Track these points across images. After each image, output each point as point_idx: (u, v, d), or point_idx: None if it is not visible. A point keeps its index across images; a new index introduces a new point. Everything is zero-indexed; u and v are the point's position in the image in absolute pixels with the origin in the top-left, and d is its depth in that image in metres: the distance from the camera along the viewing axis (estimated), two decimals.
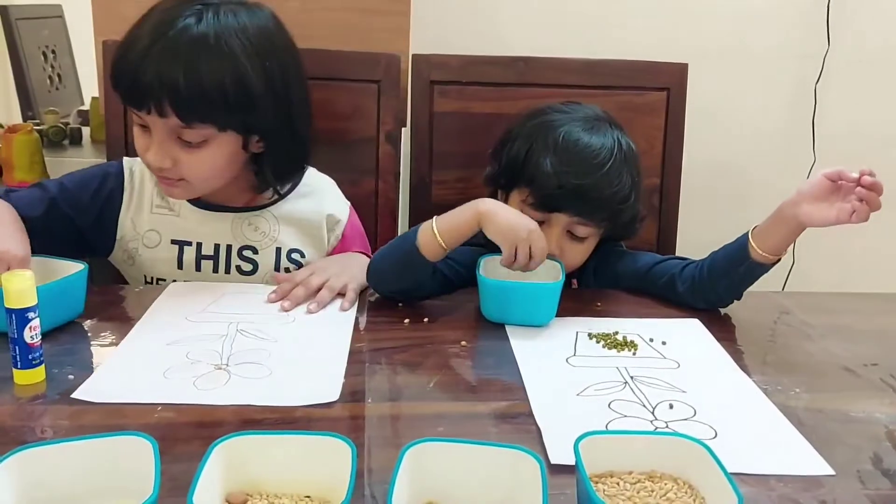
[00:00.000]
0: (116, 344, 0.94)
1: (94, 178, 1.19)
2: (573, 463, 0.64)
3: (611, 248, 1.24)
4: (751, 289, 1.12)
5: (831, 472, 0.73)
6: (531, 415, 0.82)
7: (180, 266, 1.18)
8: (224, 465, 0.62)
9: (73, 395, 0.81)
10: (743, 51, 1.88)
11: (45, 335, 0.94)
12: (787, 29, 1.88)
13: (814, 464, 0.75)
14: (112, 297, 1.10)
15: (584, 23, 1.82)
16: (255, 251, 1.20)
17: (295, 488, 0.64)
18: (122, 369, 0.88)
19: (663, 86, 1.50)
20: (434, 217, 1.06)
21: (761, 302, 1.17)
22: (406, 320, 1.05)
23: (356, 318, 1.04)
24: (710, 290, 1.10)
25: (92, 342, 0.96)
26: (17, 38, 2.59)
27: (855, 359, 0.99)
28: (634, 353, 0.97)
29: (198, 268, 1.19)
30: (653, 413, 0.83)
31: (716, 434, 0.79)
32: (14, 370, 0.84)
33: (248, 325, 0.99)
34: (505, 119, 1.35)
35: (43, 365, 0.85)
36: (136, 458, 0.62)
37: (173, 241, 1.18)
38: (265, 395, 0.83)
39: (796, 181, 1.92)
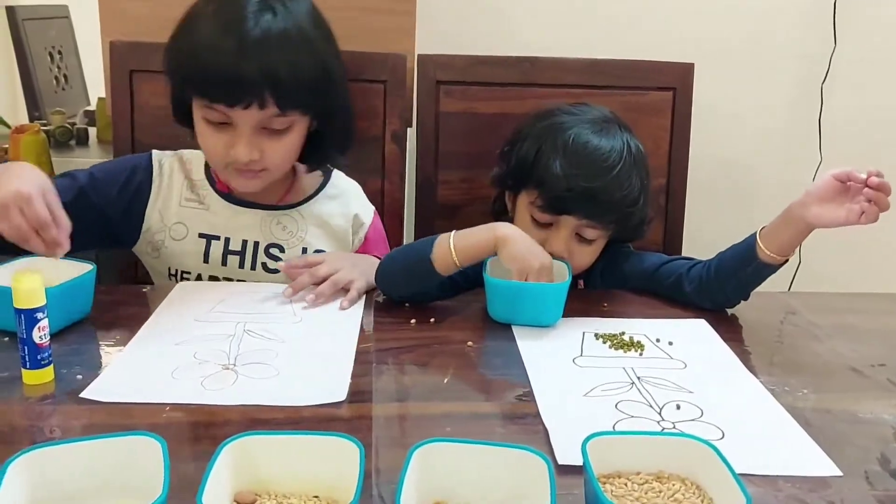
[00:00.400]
0: (124, 344, 0.94)
1: (124, 170, 1.20)
2: (580, 463, 0.64)
3: (618, 249, 1.24)
4: (758, 289, 1.11)
5: (839, 472, 0.73)
6: (538, 415, 0.82)
7: (206, 260, 1.19)
8: (233, 465, 0.63)
9: (82, 395, 0.82)
10: (748, 50, 1.88)
11: (54, 336, 0.94)
12: (793, 28, 1.88)
13: (821, 465, 0.75)
14: (119, 298, 1.10)
15: (589, 23, 1.82)
16: (282, 249, 1.21)
17: (303, 488, 0.64)
18: (130, 369, 0.88)
19: (669, 86, 1.50)
20: (452, 232, 1.06)
21: (768, 302, 1.17)
22: (413, 320, 1.05)
23: (362, 319, 1.05)
24: (718, 291, 1.10)
25: (100, 342, 0.97)
26: (24, 39, 2.60)
27: (862, 359, 0.99)
28: (641, 354, 0.97)
29: (224, 262, 1.19)
30: (660, 414, 0.83)
31: (723, 435, 0.79)
32: (23, 370, 0.84)
33: (255, 326, 1.00)
34: (511, 119, 1.35)
35: (52, 365, 0.86)
36: (145, 458, 0.62)
37: (201, 235, 1.19)
38: (273, 396, 0.83)
39: (802, 181, 1.93)
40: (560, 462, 0.72)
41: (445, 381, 0.89)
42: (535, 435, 0.78)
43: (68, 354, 0.91)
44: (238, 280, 1.19)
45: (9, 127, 1.95)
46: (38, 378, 0.85)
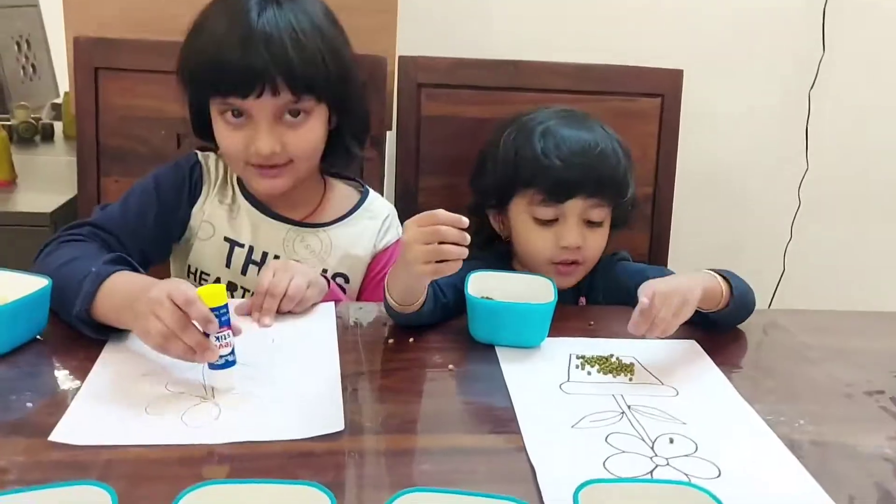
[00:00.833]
0: (81, 367, 0.87)
1: (184, 177, 1.17)
2: None
3: (616, 263, 1.21)
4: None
5: None
6: (524, 449, 0.77)
7: (228, 265, 1.17)
8: None
9: (50, 438, 0.73)
10: (736, 56, 1.85)
11: (4, 357, 0.88)
12: (781, 34, 1.84)
13: None
14: None
15: (576, 26, 1.77)
16: None
17: None
18: (99, 405, 0.80)
19: (657, 92, 1.46)
20: (386, 278, 0.99)
21: (759, 320, 1.13)
22: (391, 340, 0.99)
23: (339, 336, 0.99)
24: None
25: (55, 364, 0.90)
26: None
27: (858, 385, 0.95)
28: (631, 379, 0.93)
29: (244, 272, 1.17)
30: (652, 448, 0.78)
31: (719, 473, 0.75)
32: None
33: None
34: (494, 124, 1.30)
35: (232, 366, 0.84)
36: None
37: (226, 239, 1.17)
38: (264, 430, 0.77)
39: (788, 190, 1.92)
40: None
41: (424, 409, 0.84)
42: (520, 473, 0.73)
43: (19, 378, 0.85)
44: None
45: None
46: None
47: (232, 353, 0.84)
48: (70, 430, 0.75)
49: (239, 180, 1.19)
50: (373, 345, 0.99)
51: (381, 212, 1.25)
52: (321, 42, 1.08)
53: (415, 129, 1.41)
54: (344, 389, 0.86)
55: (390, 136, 1.44)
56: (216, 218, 1.17)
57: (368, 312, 1.08)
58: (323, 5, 1.14)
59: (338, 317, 1.05)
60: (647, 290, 0.92)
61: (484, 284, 1.03)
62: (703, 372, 0.96)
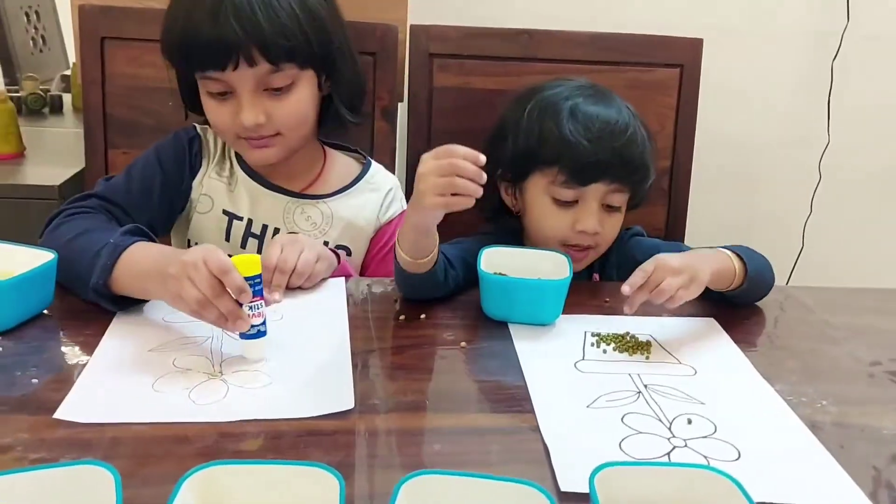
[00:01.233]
0: (87, 342, 0.86)
1: (183, 149, 1.17)
2: (585, 491, 0.58)
3: (630, 239, 1.18)
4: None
5: (867, 501, 0.67)
6: (537, 429, 0.75)
7: (227, 238, 1.16)
8: (197, 498, 0.55)
9: (56, 416, 0.72)
10: (757, 26, 1.79)
11: (10, 332, 0.87)
12: (804, 3, 1.79)
13: (847, 492, 0.68)
14: None
15: None
16: None
17: None
18: (105, 382, 0.79)
19: (676, 62, 1.42)
20: (397, 235, 0.98)
21: (780, 299, 1.10)
22: (402, 316, 0.97)
23: (350, 313, 0.97)
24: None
25: (62, 339, 0.89)
26: None
27: (881, 364, 0.93)
28: (647, 358, 0.90)
29: (243, 244, 1.16)
30: (670, 429, 0.76)
31: (739, 455, 0.72)
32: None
33: None
34: (508, 95, 1.27)
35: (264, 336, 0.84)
36: (95, 490, 0.54)
37: (225, 212, 1.16)
38: (273, 408, 0.75)
39: (809, 163, 1.87)
40: (563, 489, 0.66)
41: (436, 387, 0.82)
42: (534, 453, 0.71)
43: (25, 354, 0.83)
44: None
45: None
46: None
47: (263, 323, 0.84)
48: (76, 407, 0.74)
49: (237, 153, 1.18)
50: (383, 321, 0.97)
51: (383, 184, 1.23)
52: (297, 7, 1.05)
53: (426, 101, 1.38)
54: (354, 367, 0.84)
55: (402, 108, 1.41)
56: (214, 191, 1.16)
57: (379, 288, 1.06)
58: None
59: (348, 293, 1.03)
60: (654, 260, 0.92)
61: (497, 260, 1.01)
62: (721, 351, 0.94)
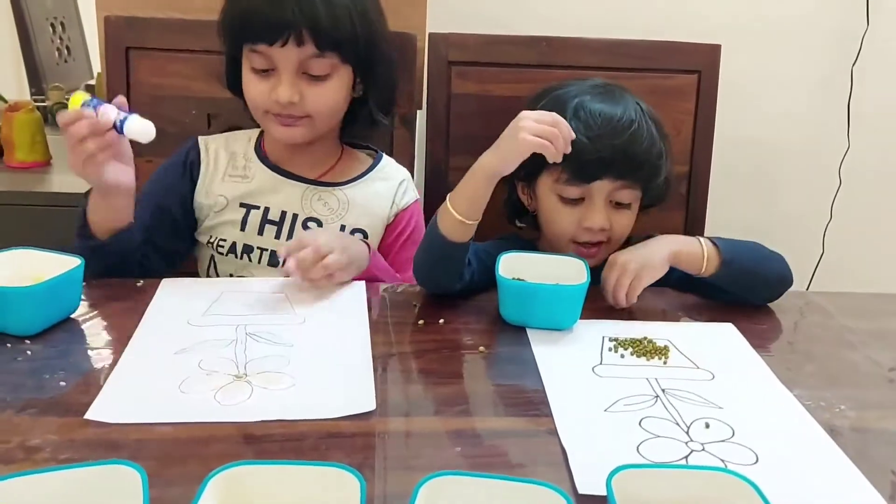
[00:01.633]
0: (114, 346, 0.88)
1: (179, 163, 1.22)
2: (603, 493, 0.59)
3: None
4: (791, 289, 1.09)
5: None
6: (555, 432, 0.76)
7: (243, 227, 1.19)
8: (221, 497, 0.57)
9: (87, 416, 0.74)
10: (776, 29, 1.79)
11: (38, 336, 0.89)
12: (823, 5, 1.78)
13: (865, 497, 0.68)
14: (110, 292, 1.03)
15: (610, 1, 1.73)
16: (320, 224, 1.20)
17: None
18: (132, 384, 0.81)
19: (694, 68, 1.42)
20: (447, 196, 1.02)
21: (799, 304, 1.10)
22: (420, 321, 0.98)
23: (370, 317, 0.98)
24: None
25: (88, 344, 0.90)
26: (25, 9, 2.52)
27: None
28: (665, 363, 0.91)
29: (260, 231, 1.19)
30: (687, 433, 0.76)
31: (757, 459, 0.73)
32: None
33: (257, 328, 0.93)
34: (528, 97, 1.28)
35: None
36: (122, 489, 0.56)
37: (241, 205, 1.20)
38: (296, 409, 0.76)
39: (829, 169, 1.86)
40: (580, 491, 0.66)
41: (455, 391, 0.83)
42: (552, 456, 0.72)
43: (53, 357, 0.85)
44: (271, 251, 1.18)
45: (6, 102, 1.88)
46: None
47: (119, 112, 0.97)
48: (105, 408, 0.76)
49: (256, 148, 1.23)
50: (403, 325, 0.98)
51: (394, 175, 1.27)
52: (352, 5, 1.11)
53: (445, 108, 1.39)
54: (374, 370, 0.85)
55: (420, 115, 1.42)
56: (230, 190, 1.20)
57: (399, 293, 1.07)
58: None
59: (369, 297, 1.04)
60: (609, 261, 1.04)
61: (515, 265, 1.02)
62: (739, 355, 0.94)
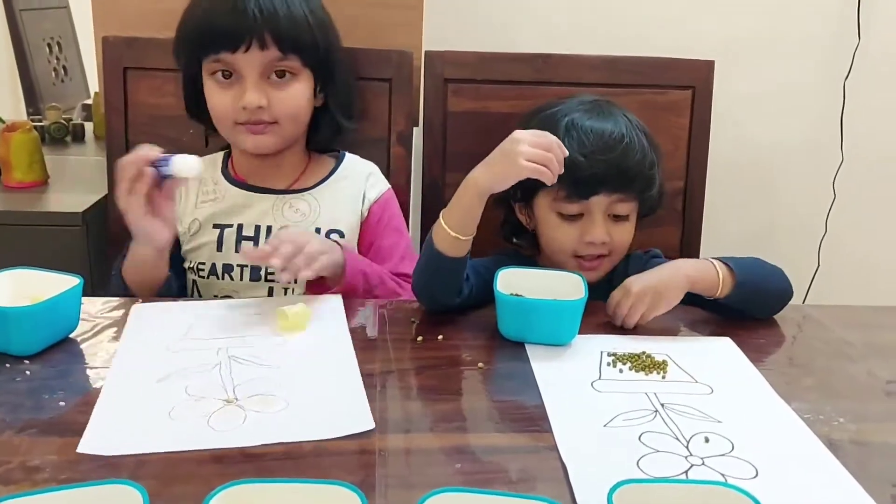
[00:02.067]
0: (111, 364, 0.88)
1: None
2: None
3: (648, 261, 1.19)
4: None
5: None
6: (555, 448, 0.76)
7: (220, 248, 1.20)
8: None
9: (79, 450, 0.72)
10: (768, 45, 1.80)
11: (38, 356, 0.89)
12: (815, 21, 1.80)
13: None
14: (107, 311, 1.03)
15: (605, 18, 1.74)
16: None
17: None
18: (120, 415, 0.79)
19: (688, 84, 1.43)
20: (441, 212, 1.03)
21: (797, 318, 1.11)
22: (419, 337, 0.99)
23: (368, 334, 0.98)
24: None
25: (87, 363, 0.90)
26: (22, 30, 2.53)
27: None
28: (664, 377, 0.91)
29: (237, 249, 1.20)
30: (687, 448, 0.77)
31: (757, 473, 0.73)
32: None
33: (238, 351, 0.92)
34: (521, 115, 1.28)
35: None
36: None
37: (215, 226, 1.21)
38: (295, 431, 0.76)
39: (823, 182, 1.87)
40: None
41: (455, 408, 0.83)
42: (552, 472, 0.72)
43: (53, 377, 0.85)
44: (251, 267, 1.18)
45: (3, 122, 1.89)
46: None
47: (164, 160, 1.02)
48: (97, 439, 0.74)
49: (223, 171, 1.25)
50: (401, 342, 0.98)
51: (359, 170, 1.29)
52: (308, 10, 1.15)
53: (441, 125, 1.40)
54: (373, 388, 0.85)
55: (417, 133, 1.43)
56: (203, 214, 1.22)
57: (396, 310, 1.07)
58: None
59: (365, 314, 1.04)
60: (622, 288, 1.03)
61: (513, 281, 1.02)
62: (738, 369, 0.95)
